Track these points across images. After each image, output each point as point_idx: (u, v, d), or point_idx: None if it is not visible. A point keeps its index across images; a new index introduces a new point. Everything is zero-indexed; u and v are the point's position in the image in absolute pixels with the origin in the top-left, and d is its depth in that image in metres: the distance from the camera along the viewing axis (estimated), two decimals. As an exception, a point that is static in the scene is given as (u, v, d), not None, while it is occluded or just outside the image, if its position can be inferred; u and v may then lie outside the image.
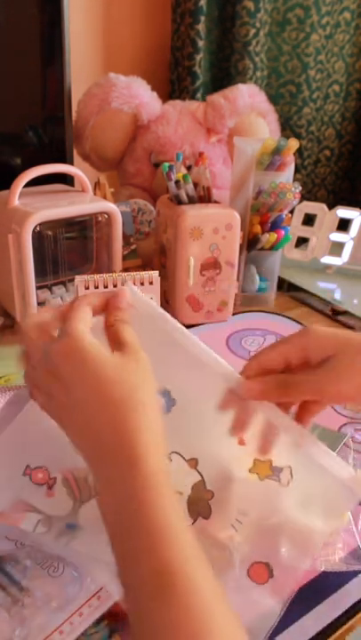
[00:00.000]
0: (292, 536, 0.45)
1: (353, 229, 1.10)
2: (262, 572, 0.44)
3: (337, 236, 1.11)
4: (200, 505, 0.47)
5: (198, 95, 1.21)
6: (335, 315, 1.00)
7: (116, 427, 0.35)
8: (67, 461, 0.48)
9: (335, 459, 0.43)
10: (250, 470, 0.48)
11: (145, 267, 1.04)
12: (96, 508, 0.46)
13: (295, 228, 1.10)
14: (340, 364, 0.42)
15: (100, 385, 0.36)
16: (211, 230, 0.86)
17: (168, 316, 0.46)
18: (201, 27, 1.15)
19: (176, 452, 0.48)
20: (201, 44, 1.17)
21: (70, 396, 0.37)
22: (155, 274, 0.70)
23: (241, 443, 0.47)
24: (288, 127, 1.33)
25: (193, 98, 1.20)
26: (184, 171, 0.97)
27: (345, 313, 1.00)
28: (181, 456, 0.48)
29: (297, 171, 1.38)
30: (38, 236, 0.80)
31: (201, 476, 0.47)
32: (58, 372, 0.37)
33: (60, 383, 0.37)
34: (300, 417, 0.46)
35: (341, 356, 0.42)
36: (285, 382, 0.43)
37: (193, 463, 0.48)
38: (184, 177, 0.87)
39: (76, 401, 0.37)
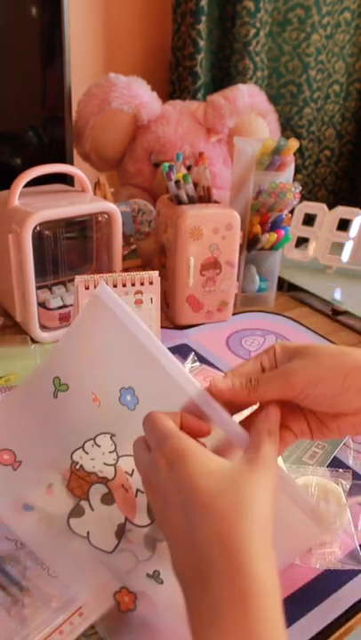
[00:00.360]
0: None
1: (353, 229, 1.10)
2: None
3: (337, 236, 1.11)
4: None
5: (199, 95, 1.21)
6: (335, 315, 1.00)
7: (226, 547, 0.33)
8: (64, 461, 0.48)
9: (298, 489, 0.43)
10: None
11: (145, 267, 1.04)
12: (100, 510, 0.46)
13: (295, 228, 1.10)
14: (307, 356, 0.42)
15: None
16: (211, 230, 0.86)
17: (140, 322, 0.47)
18: (202, 27, 1.15)
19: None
20: (202, 44, 1.17)
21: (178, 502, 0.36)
22: (155, 274, 0.70)
23: None
24: (289, 127, 1.33)
25: (194, 98, 1.20)
26: (184, 171, 0.97)
27: (345, 313, 1.00)
28: None
29: (298, 171, 1.38)
30: (38, 236, 0.80)
31: None
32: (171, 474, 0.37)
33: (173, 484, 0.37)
34: None
35: (306, 349, 0.43)
36: (255, 379, 0.43)
37: None
38: (184, 177, 0.87)
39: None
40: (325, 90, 1.35)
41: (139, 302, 0.69)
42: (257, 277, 0.99)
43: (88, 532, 0.46)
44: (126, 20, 1.22)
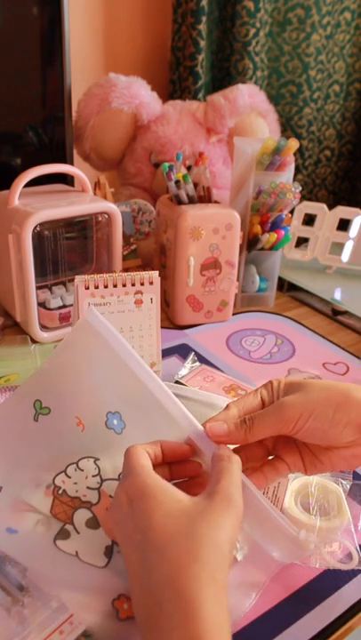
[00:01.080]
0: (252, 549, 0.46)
1: (353, 229, 1.10)
2: None
3: (337, 236, 1.11)
4: None
5: (200, 95, 1.21)
6: (335, 315, 1.00)
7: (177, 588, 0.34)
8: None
9: (274, 518, 0.43)
10: None
11: (145, 267, 1.04)
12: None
13: (295, 228, 1.10)
14: (298, 390, 0.44)
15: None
16: (211, 230, 0.86)
17: (129, 347, 0.47)
18: (203, 27, 1.15)
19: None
20: (203, 44, 1.17)
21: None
22: (155, 274, 0.70)
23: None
24: (289, 127, 1.33)
25: (195, 98, 1.20)
26: (184, 171, 0.97)
27: (345, 313, 1.00)
28: None
29: (298, 171, 1.38)
30: (38, 236, 0.80)
31: None
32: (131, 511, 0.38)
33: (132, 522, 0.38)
34: (265, 471, 0.46)
35: (298, 385, 0.44)
36: (249, 418, 0.44)
37: None
38: (184, 177, 0.87)
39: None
40: (325, 90, 1.35)
41: (139, 302, 0.69)
42: (257, 277, 0.99)
43: (77, 552, 0.45)
44: (126, 20, 1.22)
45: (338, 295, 1.07)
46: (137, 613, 0.36)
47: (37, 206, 0.78)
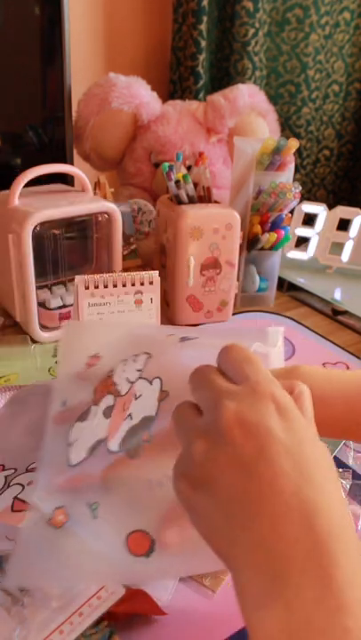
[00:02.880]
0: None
1: (353, 229, 1.10)
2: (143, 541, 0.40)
3: (337, 236, 1.11)
4: None
5: (201, 95, 1.21)
6: (335, 315, 1.00)
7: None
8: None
9: None
10: None
11: (145, 267, 1.04)
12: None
13: (295, 228, 1.10)
14: None
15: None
16: (211, 230, 0.86)
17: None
18: (203, 27, 1.15)
19: None
20: (203, 44, 1.17)
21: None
22: (155, 274, 0.70)
23: None
24: (287, 127, 1.33)
25: (196, 98, 1.20)
26: (184, 171, 0.97)
27: (345, 313, 1.00)
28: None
29: (296, 171, 1.38)
30: (38, 236, 0.80)
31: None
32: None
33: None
34: None
35: None
36: None
37: None
38: (184, 177, 0.87)
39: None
40: (324, 90, 1.35)
41: (139, 302, 0.69)
42: (257, 277, 0.99)
43: (76, 439, 0.44)
44: (126, 20, 1.22)
45: (338, 295, 1.07)
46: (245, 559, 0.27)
47: (37, 206, 0.78)
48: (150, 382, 0.43)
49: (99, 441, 0.43)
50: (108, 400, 0.45)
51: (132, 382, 0.44)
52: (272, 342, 0.45)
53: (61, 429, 0.45)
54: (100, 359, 0.50)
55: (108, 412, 0.44)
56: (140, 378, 0.44)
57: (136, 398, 0.43)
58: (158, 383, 0.42)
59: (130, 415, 0.42)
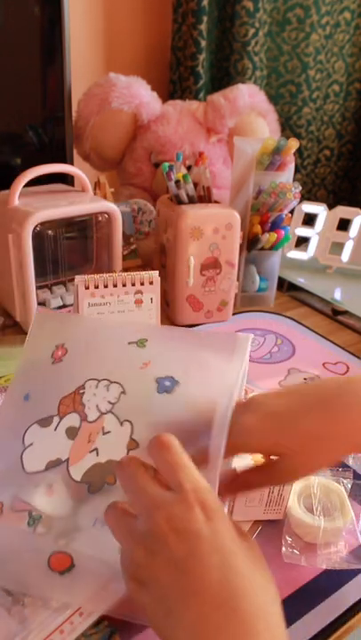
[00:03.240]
0: None
1: (353, 229, 1.10)
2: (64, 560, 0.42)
3: (337, 236, 1.11)
4: None
5: (201, 95, 1.21)
6: (335, 315, 1.00)
7: None
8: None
9: None
10: None
11: (145, 267, 1.04)
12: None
13: (295, 228, 1.10)
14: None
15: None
16: (211, 230, 0.86)
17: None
18: (203, 27, 1.15)
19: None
20: (203, 44, 1.17)
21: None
22: (155, 274, 0.70)
23: None
24: (288, 127, 1.33)
25: (196, 98, 1.20)
26: (184, 171, 0.97)
27: (345, 313, 1.00)
28: None
29: (297, 171, 1.38)
30: (38, 236, 0.80)
31: None
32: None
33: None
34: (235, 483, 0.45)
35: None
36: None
37: None
38: (184, 177, 0.87)
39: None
40: (325, 90, 1.35)
41: (139, 302, 0.69)
42: (257, 277, 0.99)
43: (32, 443, 0.46)
44: (126, 20, 1.22)
45: (338, 295, 1.07)
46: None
47: (37, 206, 0.78)
48: (121, 423, 0.45)
49: (59, 460, 0.45)
50: (72, 418, 0.46)
51: (103, 413, 0.46)
52: (240, 349, 0.48)
53: (19, 422, 0.47)
54: (66, 352, 0.51)
55: (71, 433, 0.45)
56: (110, 412, 0.46)
57: (104, 433, 0.45)
58: (129, 428, 0.45)
59: (96, 450, 0.44)
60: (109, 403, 0.46)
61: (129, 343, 0.51)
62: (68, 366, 0.51)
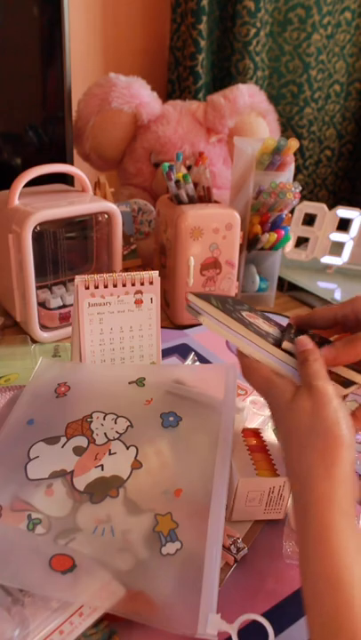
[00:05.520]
0: None
1: (353, 229, 1.10)
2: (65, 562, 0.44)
3: (337, 236, 1.11)
4: None
5: (200, 95, 1.21)
6: (335, 315, 1.00)
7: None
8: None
9: None
10: None
11: (145, 267, 1.04)
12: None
13: (295, 228, 1.10)
14: None
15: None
16: (211, 230, 0.86)
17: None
18: (203, 26, 1.15)
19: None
20: (203, 43, 1.17)
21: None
22: (155, 274, 0.70)
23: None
24: (290, 127, 1.33)
25: (195, 98, 1.20)
26: (184, 171, 0.97)
27: (345, 313, 1.00)
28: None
29: (298, 171, 1.38)
30: (38, 236, 0.80)
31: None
32: None
33: None
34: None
35: None
36: (352, 339, 0.46)
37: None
38: (184, 177, 0.87)
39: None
40: (326, 90, 1.35)
41: (139, 302, 0.69)
42: (257, 277, 0.99)
43: (37, 456, 0.50)
44: (126, 20, 1.22)
45: (338, 295, 1.07)
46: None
47: (37, 206, 0.78)
48: (127, 447, 0.50)
49: (64, 471, 0.49)
50: (80, 440, 0.51)
51: (110, 440, 0.51)
52: (231, 378, 0.57)
53: (24, 441, 0.52)
54: (69, 389, 0.57)
55: (78, 451, 0.50)
56: (117, 439, 0.51)
57: (110, 454, 0.50)
58: (134, 451, 0.50)
59: (102, 466, 0.49)
60: (117, 432, 0.52)
61: (129, 383, 0.57)
62: (72, 400, 0.56)
